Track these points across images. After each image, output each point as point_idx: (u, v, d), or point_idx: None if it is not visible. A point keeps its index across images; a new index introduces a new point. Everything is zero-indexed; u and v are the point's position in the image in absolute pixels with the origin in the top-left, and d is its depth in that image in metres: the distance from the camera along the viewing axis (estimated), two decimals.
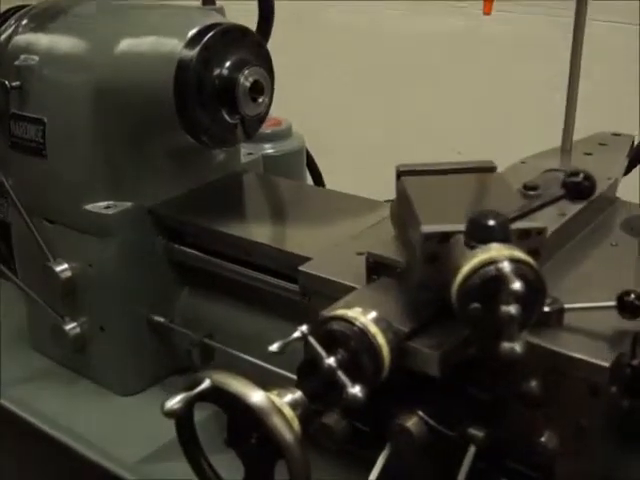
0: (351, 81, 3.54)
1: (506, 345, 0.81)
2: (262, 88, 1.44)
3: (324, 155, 2.25)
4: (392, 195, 1.20)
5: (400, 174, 1.16)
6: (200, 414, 0.97)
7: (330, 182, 2.26)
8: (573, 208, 1.20)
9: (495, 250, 0.85)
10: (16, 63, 1.52)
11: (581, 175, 0.97)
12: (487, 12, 2.55)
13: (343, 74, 3.56)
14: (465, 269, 0.84)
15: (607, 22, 2.58)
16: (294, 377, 0.97)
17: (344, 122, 3.50)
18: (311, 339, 0.94)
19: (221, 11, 1.58)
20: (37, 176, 1.56)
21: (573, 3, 1.44)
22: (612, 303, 0.98)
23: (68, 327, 1.58)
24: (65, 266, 1.55)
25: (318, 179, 2.26)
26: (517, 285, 0.79)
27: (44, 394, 1.63)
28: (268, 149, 1.96)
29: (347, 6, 3.54)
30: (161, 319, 1.57)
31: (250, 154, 1.77)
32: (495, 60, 3.16)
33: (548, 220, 1.06)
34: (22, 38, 1.56)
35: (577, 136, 1.55)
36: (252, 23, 1.62)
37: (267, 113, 1.50)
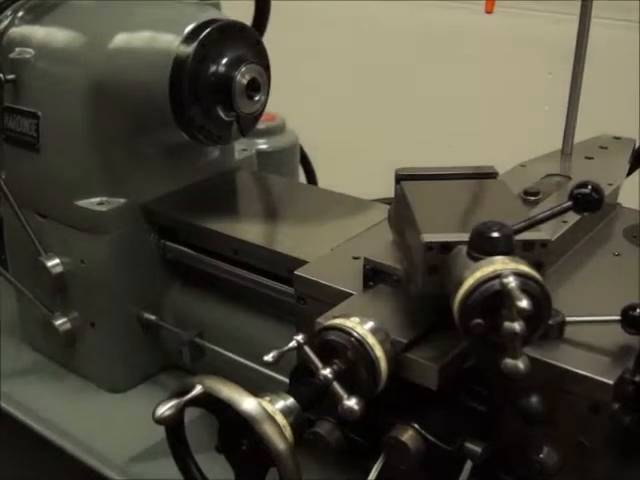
0: (343, 76, 3.53)
1: (509, 362, 0.80)
2: (259, 86, 1.42)
3: (316, 150, 2.24)
4: (384, 190, 1.17)
5: (399, 178, 1.13)
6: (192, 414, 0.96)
7: (322, 178, 2.25)
8: (575, 215, 1.18)
9: (499, 263, 0.83)
10: (11, 56, 1.50)
11: (589, 187, 0.95)
12: (489, 11, 2.52)
13: (336, 69, 3.54)
14: (468, 282, 0.82)
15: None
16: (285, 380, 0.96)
17: (336, 117, 3.49)
18: (307, 349, 0.93)
19: (217, 5, 1.57)
20: (30, 170, 1.54)
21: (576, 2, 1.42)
22: (616, 317, 0.96)
23: (58, 322, 1.58)
24: (56, 261, 1.54)
25: (311, 176, 2.25)
26: (524, 303, 0.76)
27: (32, 388, 1.62)
28: (261, 144, 1.95)
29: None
30: (152, 317, 1.56)
31: (244, 150, 1.75)
32: (490, 57, 3.16)
33: (549, 227, 1.05)
34: (18, 31, 1.54)
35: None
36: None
37: (263, 111, 1.48)
